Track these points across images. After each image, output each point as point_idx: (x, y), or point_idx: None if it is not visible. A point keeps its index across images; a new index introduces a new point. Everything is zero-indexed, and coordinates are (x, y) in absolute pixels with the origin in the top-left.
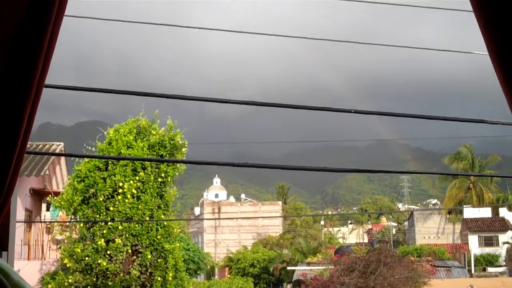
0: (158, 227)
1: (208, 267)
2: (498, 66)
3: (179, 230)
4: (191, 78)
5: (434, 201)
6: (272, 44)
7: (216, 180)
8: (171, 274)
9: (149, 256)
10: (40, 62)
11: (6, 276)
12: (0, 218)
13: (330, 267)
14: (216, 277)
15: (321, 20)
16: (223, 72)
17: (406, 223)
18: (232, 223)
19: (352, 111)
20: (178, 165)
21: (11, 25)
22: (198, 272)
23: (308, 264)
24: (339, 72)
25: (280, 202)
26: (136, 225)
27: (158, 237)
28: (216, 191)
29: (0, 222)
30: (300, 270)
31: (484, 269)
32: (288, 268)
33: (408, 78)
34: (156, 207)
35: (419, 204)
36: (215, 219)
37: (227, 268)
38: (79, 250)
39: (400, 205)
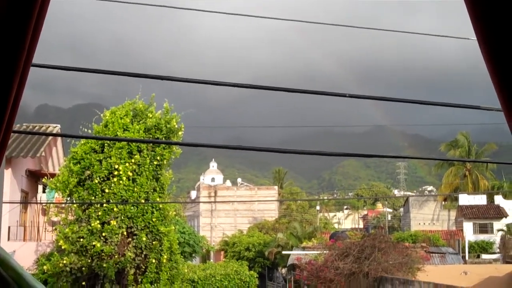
0: (154, 209)
1: (204, 250)
2: (488, 56)
3: (175, 213)
4: (185, 62)
5: (430, 187)
6: (266, 29)
7: (213, 164)
8: (165, 257)
9: (144, 239)
10: (27, 41)
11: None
12: None
13: (324, 252)
14: (211, 260)
15: (317, 5)
16: (217, 57)
17: (401, 209)
18: (228, 207)
19: (347, 95)
20: (174, 148)
21: None
22: (193, 255)
23: (303, 248)
24: (334, 57)
25: (276, 187)
26: (132, 208)
27: (153, 219)
28: (212, 175)
29: None
30: (295, 255)
31: (478, 256)
32: (283, 252)
33: (405, 65)
34: (152, 190)
35: (415, 191)
36: (211, 202)
37: (222, 252)
38: (73, 231)
39: (396, 191)
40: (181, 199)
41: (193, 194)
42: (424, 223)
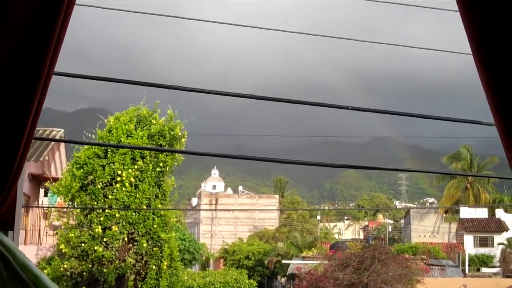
0: (155, 216)
1: (203, 258)
2: (481, 68)
3: (176, 220)
4: (189, 69)
5: (431, 200)
6: (270, 38)
7: (215, 172)
8: (166, 263)
9: (145, 245)
10: (51, 50)
11: (12, 255)
12: (7, 201)
13: (324, 262)
14: (210, 268)
15: (318, 16)
16: (220, 65)
17: (402, 221)
18: (229, 215)
19: (350, 107)
20: (177, 155)
21: (24, 12)
22: (193, 262)
23: (303, 258)
24: (337, 67)
25: (277, 196)
26: (133, 214)
27: (155, 226)
28: (214, 182)
29: (7, 205)
30: (294, 264)
31: (478, 269)
32: (283, 261)
33: (406, 75)
34: (154, 196)
35: (416, 203)
36: (212, 210)
37: (222, 260)
38: (74, 236)
39: (397, 203)
40: (182, 206)
41: (194, 201)
42: (425, 235)
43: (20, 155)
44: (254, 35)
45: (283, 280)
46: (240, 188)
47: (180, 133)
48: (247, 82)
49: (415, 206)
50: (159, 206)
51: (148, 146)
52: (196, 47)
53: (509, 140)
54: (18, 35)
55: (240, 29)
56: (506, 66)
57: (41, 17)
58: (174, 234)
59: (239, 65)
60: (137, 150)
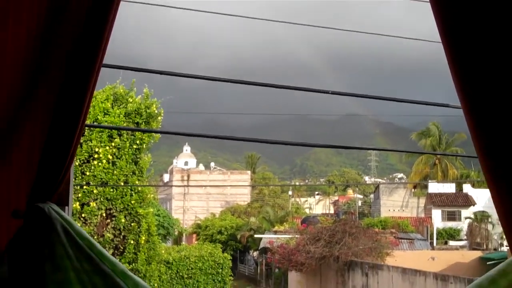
0: (132, 192)
1: (176, 233)
2: (451, 58)
3: (152, 195)
4: (157, 45)
5: (400, 175)
6: (241, 13)
7: (186, 148)
8: (144, 238)
9: (123, 220)
10: (103, 43)
11: (70, 225)
12: (64, 181)
13: (296, 236)
14: (183, 243)
15: None
16: (190, 40)
17: (372, 196)
18: (201, 191)
19: (330, 92)
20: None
21: (81, 12)
22: (167, 237)
23: (275, 232)
24: (309, 44)
25: (249, 172)
26: (111, 190)
27: (132, 202)
28: (185, 158)
29: (64, 183)
30: (267, 238)
31: (446, 243)
32: (255, 236)
33: (378, 54)
34: (131, 173)
35: (385, 178)
36: (184, 186)
37: (194, 235)
38: None
39: (366, 178)
40: (154, 182)
41: (166, 177)
42: (394, 210)
43: (75, 141)
44: (225, 11)
45: (255, 254)
46: (212, 164)
47: (156, 111)
48: (217, 58)
49: (384, 181)
50: (137, 182)
51: (124, 124)
52: (163, 22)
53: (476, 128)
54: (80, 23)
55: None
56: (473, 52)
57: (98, 7)
58: (151, 210)
59: (209, 42)
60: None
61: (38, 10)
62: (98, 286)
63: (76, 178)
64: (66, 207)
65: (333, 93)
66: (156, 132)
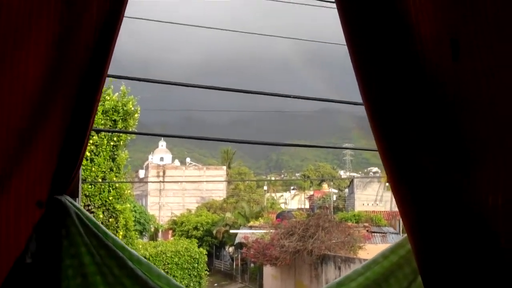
0: (110, 188)
1: (152, 229)
2: (356, 64)
3: (129, 191)
4: (129, 40)
5: (375, 169)
6: (215, 6)
7: (162, 144)
8: (121, 233)
9: (101, 216)
10: (111, 52)
11: (83, 214)
12: (77, 174)
13: (271, 231)
14: (159, 239)
15: None
16: (163, 34)
17: (346, 190)
18: (177, 187)
19: (312, 98)
20: (131, 130)
21: (103, 4)
22: (144, 233)
23: (250, 227)
24: (285, 36)
25: (224, 167)
26: (89, 186)
27: (110, 198)
28: (161, 154)
29: (76, 178)
30: (242, 234)
31: None
32: (231, 231)
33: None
34: (109, 170)
35: (360, 172)
36: (160, 182)
37: (170, 231)
38: None
39: (341, 172)
40: (129, 178)
41: (142, 173)
42: (368, 204)
43: (85, 142)
44: (200, 4)
45: (231, 249)
46: (188, 159)
47: (133, 109)
48: (190, 53)
49: (359, 175)
50: (114, 179)
51: (102, 122)
52: (134, 16)
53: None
54: (89, 41)
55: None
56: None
57: (106, 27)
58: (129, 206)
59: (181, 35)
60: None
61: (53, 29)
62: (103, 257)
63: None
64: (77, 198)
65: (322, 100)
66: (138, 134)
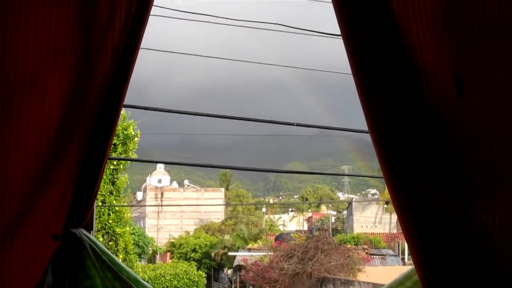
0: (110, 211)
1: (150, 251)
2: (362, 94)
3: (129, 214)
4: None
5: (373, 191)
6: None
7: (160, 166)
8: (121, 256)
9: (101, 239)
10: (126, 88)
11: (96, 245)
12: (91, 206)
13: (270, 253)
14: (157, 261)
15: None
16: (161, 58)
17: (345, 212)
18: (175, 209)
19: (295, 124)
20: (130, 154)
21: (122, 21)
22: (142, 256)
23: (249, 250)
24: (283, 60)
25: (222, 189)
26: None
27: (110, 221)
28: (159, 176)
29: (90, 208)
30: (241, 256)
31: None
32: (229, 253)
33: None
34: (108, 193)
35: (358, 194)
36: (158, 205)
37: (168, 253)
38: None
39: (340, 194)
40: (127, 200)
41: (140, 195)
42: (367, 226)
43: (101, 174)
44: (195, 29)
45: (229, 271)
46: (186, 181)
47: (133, 133)
48: (188, 76)
49: (357, 197)
50: (114, 202)
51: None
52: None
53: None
54: (113, 61)
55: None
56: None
57: (128, 44)
58: (128, 229)
59: (179, 59)
60: None
61: (70, 67)
62: None
63: None
64: (92, 231)
65: (298, 125)
66: (141, 161)
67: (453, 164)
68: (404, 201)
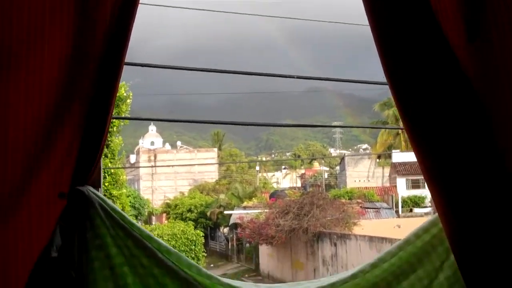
0: (106, 174)
1: (146, 213)
2: (380, 51)
3: (125, 177)
4: None
5: (365, 146)
6: None
7: (152, 128)
8: None
9: None
10: (128, 40)
11: (105, 203)
12: (98, 165)
13: (265, 210)
14: (153, 223)
15: None
16: (143, 19)
17: (337, 167)
18: (169, 170)
19: (295, 76)
20: (123, 115)
21: (109, 9)
22: (139, 218)
23: (244, 208)
24: (269, 17)
25: (215, 149)
26: None
27: (106, 184)
28: (151, 138)
29: (98, 169)
30: (236, 214)
31: (411, 210)
32: (225, 212)
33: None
34: (103, 156)
35: (350, 149)
36: (152, 166)
37: (164, 214)
38: None
39: (332, 150)
40: (120, 163)
41: (133, 158)
42: (360, 180)
43: (105, 132)
44: None
45: (226, 230)
46: (179, 143)
47: (125, 94)
48: (171, 38)
49: (349, 152)
50: (109, 165)
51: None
52: None
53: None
54: (112, 16)
55: None
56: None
57: (123, 11)
58: (124, 191)
59: (161, 20)
60: None
61: (67, 29)
62: (130, 247)
63: None
64: (99, 189)
65: (305, 77)
66: (134, 119)
67: (476, 107)
68: (427, 150)
